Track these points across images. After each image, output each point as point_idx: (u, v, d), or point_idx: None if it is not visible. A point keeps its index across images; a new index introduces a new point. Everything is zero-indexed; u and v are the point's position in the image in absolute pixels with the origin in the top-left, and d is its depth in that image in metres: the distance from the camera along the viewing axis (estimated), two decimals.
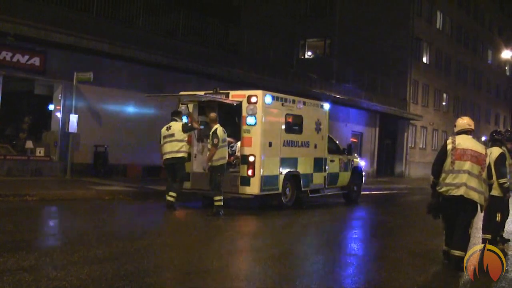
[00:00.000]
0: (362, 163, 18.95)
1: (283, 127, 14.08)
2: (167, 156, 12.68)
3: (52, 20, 17.40)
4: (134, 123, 20.19)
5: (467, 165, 7.82)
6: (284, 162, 14.01)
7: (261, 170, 13.15)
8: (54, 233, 9.35)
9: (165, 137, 12.73)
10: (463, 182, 7.79)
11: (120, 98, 19.94)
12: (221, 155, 12.35)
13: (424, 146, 44.29)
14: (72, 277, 6.22)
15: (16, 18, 16.28)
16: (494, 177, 8.96)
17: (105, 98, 19.51)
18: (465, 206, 7.88)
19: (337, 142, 17.59)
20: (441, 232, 8.45)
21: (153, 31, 22.32)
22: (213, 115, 12.74)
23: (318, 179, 15.57)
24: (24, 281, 5.95)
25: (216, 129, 12.33)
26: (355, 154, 18.87)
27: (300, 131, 14.79)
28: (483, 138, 55.98)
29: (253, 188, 13.14)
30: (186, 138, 12.90)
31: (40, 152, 17.79)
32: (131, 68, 20.28)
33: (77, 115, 17.75)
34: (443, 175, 7.97)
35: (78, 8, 19.13)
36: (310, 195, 15.46)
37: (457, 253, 7.76)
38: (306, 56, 43.79)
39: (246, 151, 13.21)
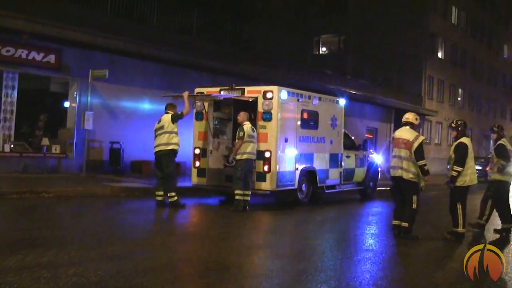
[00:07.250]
0: (379, 158, 18.87)
1: (299, 123, 14.02)
2: (156, 149, 12.40)
3: (67, 18, 17.46)
4: (149, 119, 20.17)
5: (398, 151, 9.62)
6: (300, 158, 13.95)
7: (277, 166, 13.11)
8: (71, 230, 9.37)
9: (156, 130, 12.50)
10: (397, 165, 9.61)
11: (135, 95, 19.97)
12: (245, 150, 12.41)
13: (439, 142, 43.96)
14: (90, 273, 6.22)
15: (31, 16, 16.35)
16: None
17: (120, 95, 19.56)
18: (403, 185, 9.62)
19: (353, 137, 17.50)
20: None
21: (167, 29, 22.36)
22: (242, 114, 12.77)
23: (334, 175, 15.52)
24: (42, 277, 5.96)
25: (245, 124, 12.54)
26: (371, 150, 18.77)
27: (315, 127, 14.74)
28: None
29: (269, 184, 13.12)
30: (176, 130, 12.40)
31: (56, 149, 17.86)
32: (146, 65, 20.31)
33: (92, 112, 17.83)
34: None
35: (93, 6, 19.25)
36: (326, 191, 15.42)
37: (403, 224, 9.61)
38: (320, 52, 43.68)
39: (262, 147, 13.17)
